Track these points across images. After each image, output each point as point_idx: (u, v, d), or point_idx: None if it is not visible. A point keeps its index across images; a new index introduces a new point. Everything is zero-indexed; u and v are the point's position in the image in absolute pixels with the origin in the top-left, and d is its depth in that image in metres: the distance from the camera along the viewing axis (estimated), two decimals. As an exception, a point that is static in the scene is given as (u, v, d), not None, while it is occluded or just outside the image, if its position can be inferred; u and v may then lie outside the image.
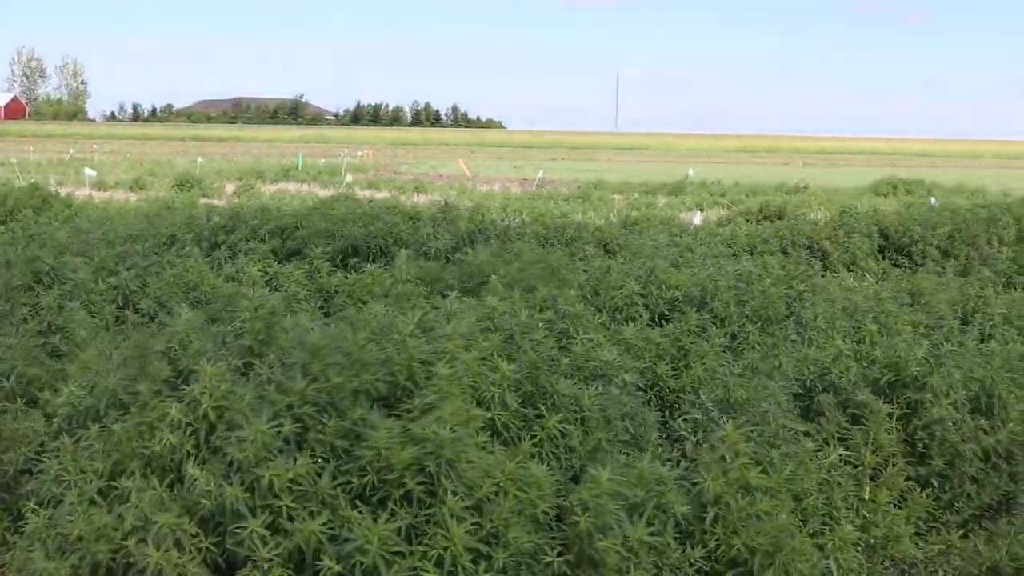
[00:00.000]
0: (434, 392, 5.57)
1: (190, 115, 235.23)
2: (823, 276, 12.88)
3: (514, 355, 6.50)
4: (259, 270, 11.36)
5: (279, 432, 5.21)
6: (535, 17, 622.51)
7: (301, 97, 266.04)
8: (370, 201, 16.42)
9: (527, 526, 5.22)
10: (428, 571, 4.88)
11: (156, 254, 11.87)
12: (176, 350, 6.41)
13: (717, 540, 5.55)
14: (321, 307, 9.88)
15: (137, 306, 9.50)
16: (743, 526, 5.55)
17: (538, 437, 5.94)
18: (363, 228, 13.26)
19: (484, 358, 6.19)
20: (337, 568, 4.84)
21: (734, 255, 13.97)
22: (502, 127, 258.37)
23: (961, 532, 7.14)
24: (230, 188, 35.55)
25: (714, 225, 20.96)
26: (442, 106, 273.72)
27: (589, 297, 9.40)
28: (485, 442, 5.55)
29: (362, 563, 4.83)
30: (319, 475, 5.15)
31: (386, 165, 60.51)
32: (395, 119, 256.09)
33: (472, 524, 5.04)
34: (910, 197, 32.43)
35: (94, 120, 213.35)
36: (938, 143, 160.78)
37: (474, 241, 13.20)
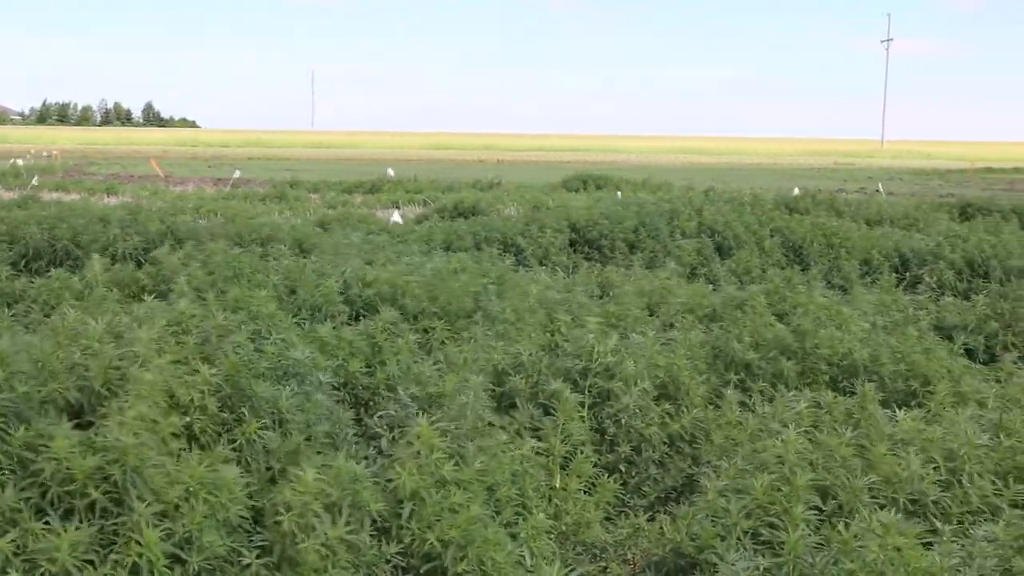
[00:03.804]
0: (133, 398, 5.41)
1: None
2: (516, 271, 13.15)
3: (212, 358, 6.38)
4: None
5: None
6: (229, 14, 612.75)
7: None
8: (56, 203, 15.87)
9: (221, 530, 5.13)
10: (123, 579, 4.74)
11: None
12: None
13: (412, 535, 5.58)
14: (13, 315, 9.45)
15: None
16: (437, 520, 5.60)
17: (238, 441, 5.85)
18: (47, 231, 12.80)
19: (180, 362, 6.05)
20: (23, 581, 4.65)
21: (430, 251, 14.12)
22: (197, 126, 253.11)
23: (648, 515, 7.38)
24: (-98, 193, 33.49)
25: (412, 222, 21.11)
26: (133, 105, 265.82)
27: (284, 298, 9.30)
28: (182, 448, 5.43)
29: (52, 572, 4.66)
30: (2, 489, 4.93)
31: (76, 166, 58.21)
32: (84, 118, 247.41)
33: (163, 530, 4.92)
34: (599, 193, 33.42)
35: None
36: (627, 139, 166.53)
37: (165, 243, 12.88)
